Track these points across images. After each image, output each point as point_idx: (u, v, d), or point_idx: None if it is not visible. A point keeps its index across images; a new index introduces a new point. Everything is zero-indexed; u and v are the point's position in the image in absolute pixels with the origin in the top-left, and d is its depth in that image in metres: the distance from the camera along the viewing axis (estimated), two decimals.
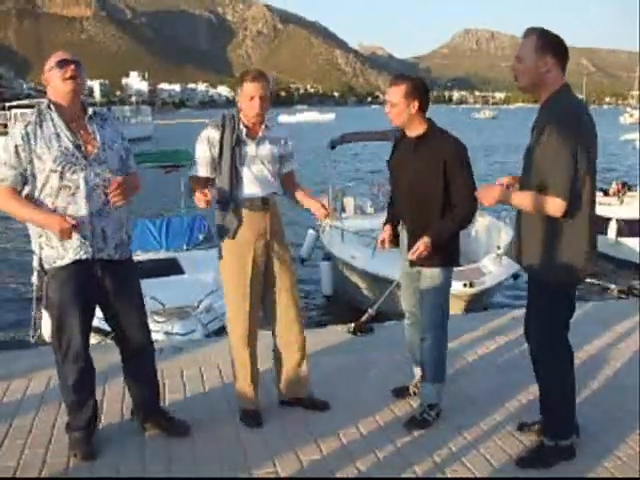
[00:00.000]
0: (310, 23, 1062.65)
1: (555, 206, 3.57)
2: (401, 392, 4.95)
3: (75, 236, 3.98)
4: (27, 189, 3.99)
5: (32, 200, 3.98)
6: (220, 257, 4.61)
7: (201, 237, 12.08)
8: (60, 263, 4.04)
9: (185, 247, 11.83)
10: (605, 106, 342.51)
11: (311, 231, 14.56)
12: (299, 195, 4.71)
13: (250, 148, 4.46)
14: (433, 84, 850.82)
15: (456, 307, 10.02)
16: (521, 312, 6.36)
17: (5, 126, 54.36)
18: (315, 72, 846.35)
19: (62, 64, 4.00)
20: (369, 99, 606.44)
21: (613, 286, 14.26)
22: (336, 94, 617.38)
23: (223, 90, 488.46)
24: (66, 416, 4.35)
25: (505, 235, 12.47)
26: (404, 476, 3.95)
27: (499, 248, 11.40)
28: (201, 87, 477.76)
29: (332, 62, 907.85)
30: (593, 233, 3.77)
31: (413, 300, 4.69)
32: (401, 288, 4.87)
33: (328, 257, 13.23)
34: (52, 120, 4.01)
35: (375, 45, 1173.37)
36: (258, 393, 4.71)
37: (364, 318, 6.74)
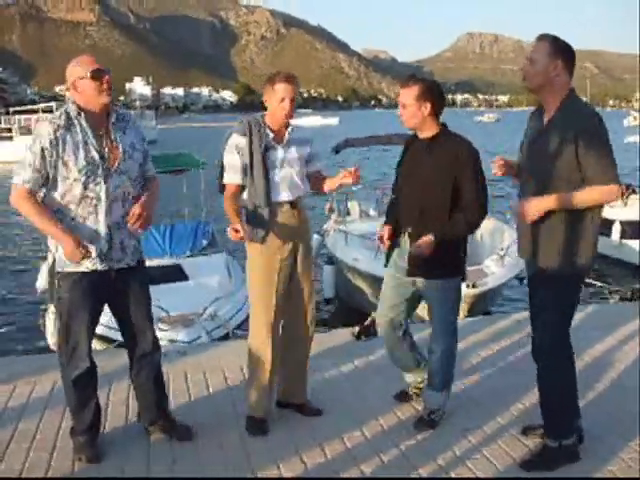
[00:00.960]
0: (313, 27, 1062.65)
1: (612, 192, 3.73)
2: (403, 396, 4.95)
3: (96, 243, 4.01)
4: (45, 192, 3.98)
5: (53, 206, 3.98)
6: (248, 258, 4.61)
7: (205, 243, 12.08)
8: (72, 269, 4.04)
9: (189, 253, 11.81)
10: (609, 109, 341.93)
11: (316, 236, 14.55)
12: (327, 183, 4.71)
13: (279, 152, 4.46)
14: None
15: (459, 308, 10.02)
16: (525, 315, 6.37)
17: (9, 130, 54.51)
18: (319, 76, 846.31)
19: (97, 75, 3.94)
20: (373, 102, 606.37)
21: (615, 289, 14.28)
22: (340, 98, 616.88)
23: (227, 94, 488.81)
24: (71, 420, 4.36)
25: (509, 237, 12.45)
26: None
27: (502, 250, 11.40)
28: (205, 91, 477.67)
29: (336, 66, 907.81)
30: (598, 226, 3.92)
31: (397, 310, 4.63)
32: (384, 297, 4.70)
33: (331, 261, 13.23)
34: (81, 127, 3.97)
35: (378, 49, 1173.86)
36: (270, 401, 4.70)
37: (368, 322, 6.73)
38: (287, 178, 4.48)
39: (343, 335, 6.44)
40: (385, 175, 27.60)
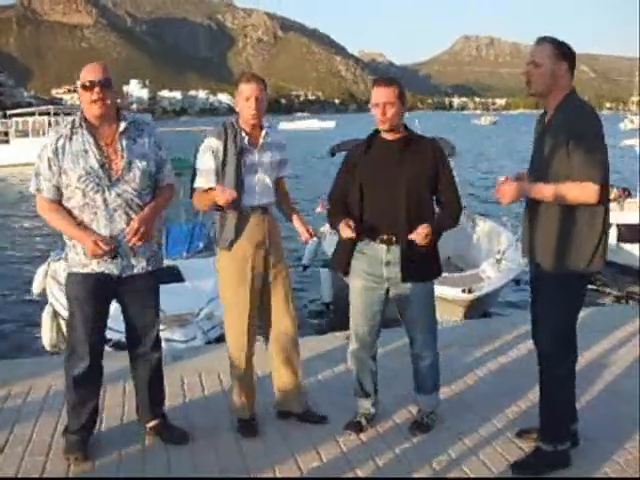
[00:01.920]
0: (310, 30, 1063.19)
1: (590, 191, 3.65)
2: (355, 427, 4.59)
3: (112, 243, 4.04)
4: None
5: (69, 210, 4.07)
6: (217, 266, 4.59)
7: (201, 245, 12.10)
8: (79, 270, 4.10)
9: (185, 255, 11.83)
10: (605, 112, 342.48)
11: (314, 238, 14.53)
12: (288, 209, 4.71)
13: (253, 156, 4.43)
14: (433, 91, 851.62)
15: (455, 313, 10.03)
16: (520, 318, 6.38)
17: (6, 134, 54.49)
18: (315, 79, 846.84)
19: (87, 86, 3.97)
20: (369, 105, 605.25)
21: (613, 292, 14.30)
22: (337, 101, 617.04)
23: (224, 97, 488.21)
24: (66, 419, 4.37)
25: (506, 240, 12.46)
26: None
27: (499, 253, 11.40)
28: (202, 94, 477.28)
29: (332, 69, 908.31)
30: (607, 226, 3.87)
31: (371, 325, 4.50)
32: (356, 309, 4.51)
33: (328, 264, 13.21)
34: (82, 136, 4.02)
35: (375, 52, 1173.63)
36: (253, 403, 4.69)
37: None
38: (260, 183, 4.45)
39: (338, 338, 6.43)
40: None
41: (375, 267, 4.35)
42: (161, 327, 8.53)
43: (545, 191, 3.77)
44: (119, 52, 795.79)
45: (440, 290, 9.96)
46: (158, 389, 4.58)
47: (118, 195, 4.05)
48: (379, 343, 4.70)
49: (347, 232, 4.14)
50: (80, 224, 4.03)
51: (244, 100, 4.36)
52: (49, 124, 52.42)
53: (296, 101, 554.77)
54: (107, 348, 6.65)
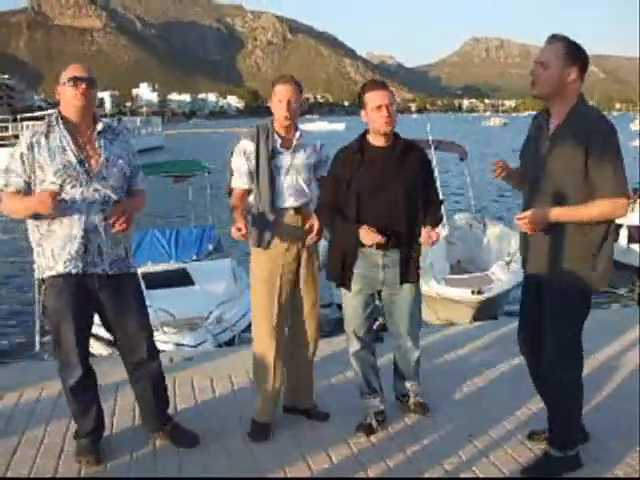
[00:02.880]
0: (319, 33, 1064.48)
1: (622, 206, 3.59)
2: (366, 429, 4.62)
3: (66, 250, 4.02)
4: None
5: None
6: (251, 265, 4.62)
7: (211, 247, 12.09)
8: (49, 273, 4.07)
9: (195, 257, 11.83)
10: (615, 112, 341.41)
11: (323, 241, 14.56)
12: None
13: (286, 158, 4.44)
14: (443, 92, 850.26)
15: (465, 315, 10.02)
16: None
17: (17, 137, 54.65)
18: (325, 81, 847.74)
19: (75, 82, 4.02)
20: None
21: (622, 293, 14.26)
22: (346, 103, 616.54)
23: (233, 100, 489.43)
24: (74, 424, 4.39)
25: (515, 243, 12.42)
26: None
27: (509, 256, 11.38)
28: (211, 97, 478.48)
29: (342, 71, 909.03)
30: (611, 241, 3.75)
31: (366, 325, 4.60)
32: (354, 312, 4.55)
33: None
34: (60, 132, 4.04)
35: (384, 54, 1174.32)
36: (274, 407, 4.70)
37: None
38: (293, 184, 4.45)
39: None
40: None
41: (372, 270, 4.42)
42: (171, 331, 8.67)
43: (575, 214, 3.64)
44: (129, 55, 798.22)
45: (450, 291, 9.98)
46: (163, 398, 4.56)
47: (96, 190, 4.05)
48: (379, 346, 4.75)
49: (374, 237, 4.19)
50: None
51: (277, 102, 4.38)
52: None
53: (305, 103, 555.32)
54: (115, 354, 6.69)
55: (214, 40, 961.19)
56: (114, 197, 4.13)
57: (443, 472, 4.07)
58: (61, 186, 3.97)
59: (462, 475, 4.04)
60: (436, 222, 4.43)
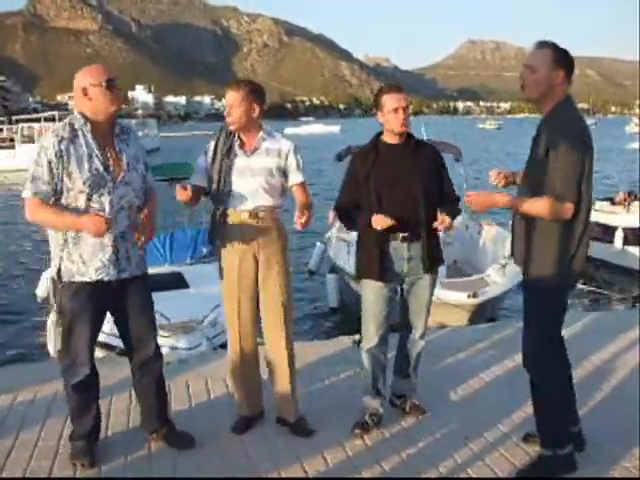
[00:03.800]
0: (315, 35, 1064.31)
1: (567, 210, 3.67)
2: (363, 427, 4.66)
3: (97, 257, 4.03)
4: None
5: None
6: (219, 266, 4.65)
7: (205, 251, 12.05)
8: (79, 279, 4.05)
9: (189, 261, 11.81)
10: (610, 115, 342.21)
11: (319, 244, 14.57)
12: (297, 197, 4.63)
13: (241, 159, 4.44)
14: (438, 95, 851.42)
15: (460, 318, 10.01)
16: None
17: (12, 140, 54.65)
18: (320, 84, 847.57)
19: (111, 85, 3.96)
20: (374, 111, 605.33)
21: (618, 295, 14.27)
22: (342, 106, 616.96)
23: None
24: (71, 425, 4.38)
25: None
26: None
27: (504, 258, 11.37)
28: (207, 99, 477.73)
29: (337, 74, 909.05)
30: (587, 237, 3.86)
31: (385, 325, 4.62)
32: (375, 307, 4.59)
33: (334, 269, 13.24)
34: (85, 137, 3.96)
35: (380, 56, 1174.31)
36: (253, 402, 4.77)
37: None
38: (249, 187, 4.42)
39: (345, 343, 6.44)
40: None
41: (397, 264, 4.52)
42: (166, 334, 8.64)
43: (515, 205, 3.82)
44: (124, 58, 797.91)
45: (446, 295, 9.97)
46: (164, 398, 4.59)
47: (121, 197, 4.05)
48: (393, 345, 4.76)
49: (385, 221, 4.29)
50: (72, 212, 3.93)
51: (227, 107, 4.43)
52: None
53: (301, 106, 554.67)
54: (114, 355, 6.69)
55: (210, 42, 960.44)
56: (137, 202, 4.17)
57: (438, 474, 4.07)
58: (90, 195, 3.94)
59: (457, 477, 4.04)
60: (453, 213, 4.48)
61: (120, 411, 5.00)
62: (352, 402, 5.04)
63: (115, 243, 4.06)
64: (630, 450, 4.27)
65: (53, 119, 54.09)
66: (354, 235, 4.86)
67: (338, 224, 14.24)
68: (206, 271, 11.15)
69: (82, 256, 4.02)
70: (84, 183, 3.91)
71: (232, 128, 4.43)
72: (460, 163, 14.24)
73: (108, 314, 4.32)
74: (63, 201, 3.94)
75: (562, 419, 4.07)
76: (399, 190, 4.44)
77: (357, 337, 6.36)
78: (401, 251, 4.51)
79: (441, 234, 4.65)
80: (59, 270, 4.07)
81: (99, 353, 8.30)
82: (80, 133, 3.96)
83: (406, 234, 4.47)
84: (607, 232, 16.46)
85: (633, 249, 16.16)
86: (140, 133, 75.28)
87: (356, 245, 4.73)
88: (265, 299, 4.56)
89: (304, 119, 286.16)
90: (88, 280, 4.05)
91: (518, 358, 5.82)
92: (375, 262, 4.49)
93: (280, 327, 4.59)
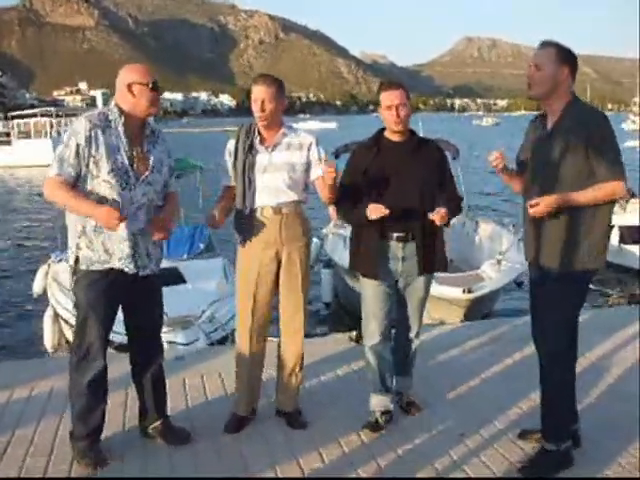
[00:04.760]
0: (312, 32, 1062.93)
1: (620, 188, 3.81)
2: (374, 427, 4.64)
3: (119, 248, 4.05)
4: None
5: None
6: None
7: (202, 246, 12.06)
8: (99, 267, 4.06)
9: (186, 256, 11.80)
10: (607, 112, 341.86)
11: (315, 239, 14.55)
12: (322, 192, 4.53)
13: (263, 156, 4.45)
14: (435, 92, 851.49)
15: (455, 314, 10.01)
16: (523, 319, 6.37)
17: (8, 135, 54.57)
18: (317, 80, 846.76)
19: (156, 87, 4.06)
20: (371, 107, 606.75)
21: (614, 294, 14.28)
22: (338, 102, 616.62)
23: (225, 99, 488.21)
24: (69, 425, 4.34)
25: (507, 242, 12.45)
26: None
27: (500, 254, 11.39)
28: (203, 96, 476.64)
29: (334, 70, 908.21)
30: (610, 221, 3.97)
31: (386, 321, 4.60)
32: (374, 305, 4.59)
33: (329, 264, 13.24)
34: (117, 130, 3.99)
35: (377, 53, 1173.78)
36: (251, 402, 4.74)
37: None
38: (271, 183, 4.45)
39: (340, 340, 6.44)
40: None
41: (391, 263, 4.49)
42: (164, 329, 8.64)
43: (580, 198, 3.80)
44: (121, 54, 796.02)
45: (440, 290, 9.97)
46: (164, 392, 4.59)
47: (144, 194, 4.09)
48: None
49: (378, 211, 4.20)
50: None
51: (253, 102, 4.39)
52: (51, 125, 52.56)
53: (298, 102, 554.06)
54: (111, 350, 6.68)
55: (206, 38, 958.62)
56: (159, 203, 4.21)
57: (434, 471, 4.07)
58: (113, 186, 3.95)
59: (453, 475, 4.04)
60: (452, 210, 4.38)
61: (116, 407, 4.96)
62: (347, 398, 5.05)
63: (134, 238, 4.08)
64: (628, 448, 4.28)
65: (49, 115, 54.05)
66: (350, 230, 4.85)
67: (333, 220, 14.26)
68: (203, 267, 11.17)
69: (105, 244, 4.04)
70: (109, 173, 3.93)
71: (263, 123, 4.43)
72: (457, 161, 14.24)
73: None
74: (88, 187, 3.96)
75: (570, 413, 4.10)
76: (396, 188, 4.38)
77: (353, 334, 6.37)
78: (396, 250, 4.47)
79: (445, 237, 4.61)
80: (77, 258, 4.08)
81: None
82: (113, 125, 4.00)
83: (401, 234, 4.44)
84: None
85: (630, 247, 16.16)
86: None
87: (350, 241, 4.71)
88: (287, 297, 4.59)
89: (301, 116, 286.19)
90: (109, 267, 4.06)
91: (514, 355, 5.88)
92: (370, 260, 4.48)
93: (298, 324, 4.64)
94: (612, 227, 3.99)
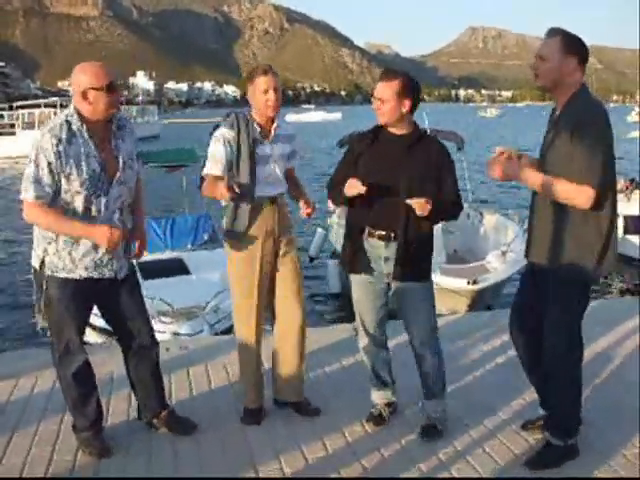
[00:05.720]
0: (316, 22, 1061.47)
1: (586, 195, 3.58)
2: (378, 420, 4.60)
3: (89, 257, 4.01)
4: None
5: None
6: (228, 256, 4.62)
7: (206, 237, 12.05)
8: (65, 275, 4.00)
9: (190, 247, 11.81)
10: (612, 104, 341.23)
11: (320, 230, 14.53)
12: (293, 190, 4.73)
13: (265, 148, 4.45)
14: (440, 82, 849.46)
15: (460, 304, 10.02)
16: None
17: (12, 126, 54.55)
18: (322, 71, 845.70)
19: (112, 88, 3.87)
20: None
21: (617, 284, 14.28)
22: (343, 93, 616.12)
23: (230, 89, 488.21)
24: (72, 418, 4.36)
25: (512, 233, 12.45)
26: (409, 475, 3.97)
27: (505, 246, 11.38)
28: (208, 86, 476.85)
29: (339, 61, 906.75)
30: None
31: (377, 318, 4.46)
32: (362, 304, 4.46)
33: (335, 255, 13.24)
34: (82, 138, 3.86)
35: (381, 43, 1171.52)
36: (262, 393, 4.73)
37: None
38: (272, 174, 4.48)
39: (345, 330, 6.44)
40: None
41: (376, 263, 4.29)
42: (168, 320, 8.68)
43: (536, 180, 3.73)
44: (125, 44, 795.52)
45: (445, 281, 9.98)
46: (161, 383, 4.59)
47: (117, 197, 4.03)
48: (394, 332, 4.72)
49: (354, 187, 4.03)
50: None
51: (262, 92, 4.34)
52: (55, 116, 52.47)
53: (302, 93, 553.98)
54: (113, 341, 6.68)
55: (211, 29, 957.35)
56: (129, 201, 4.17)
57: (438, 462, 4.08)
58: (87, 196, 3.89)
59: (457, 465, 4.05)
60: (443, 209, 4.14)
61: (120, 398, 4.99)
62: (352, 389, 5.05)
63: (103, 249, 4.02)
64: (629, 438, 4.29)
65: (54, 105, 54.00)
66: None
67: (339, 210, 14.24)
68: (207, 257, 11.17)
69: (72, 254, 3.97)
70: (81, 185, 3.84)
71: (273, 113, 4.42)
72: (462, 152, 14.22)
73: None
74: (61, 201, 3.87)
75: (578, 410, 4.08)
76: (384, 181, 4.11)
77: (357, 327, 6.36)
78: (378, 249, 4.25)
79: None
80: (42, 261, 4.02)
81: (98, 339, 8.35)
82: (78, 134, 3.86)
83: (383, 232, 4.21)
84: None
85: (633, 237, 16.14)
86: (140, 120, 75.24)
87: (343, 236, 4.54)
88: (286, 282, 4.60)
89: (305, 106, 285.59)
90: (78, 277, 4.02)
91: None
92: (352, 255, 4.35)
93: (301, 310, 4.64)
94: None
